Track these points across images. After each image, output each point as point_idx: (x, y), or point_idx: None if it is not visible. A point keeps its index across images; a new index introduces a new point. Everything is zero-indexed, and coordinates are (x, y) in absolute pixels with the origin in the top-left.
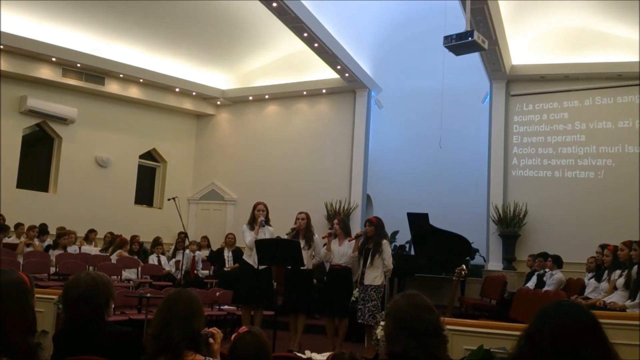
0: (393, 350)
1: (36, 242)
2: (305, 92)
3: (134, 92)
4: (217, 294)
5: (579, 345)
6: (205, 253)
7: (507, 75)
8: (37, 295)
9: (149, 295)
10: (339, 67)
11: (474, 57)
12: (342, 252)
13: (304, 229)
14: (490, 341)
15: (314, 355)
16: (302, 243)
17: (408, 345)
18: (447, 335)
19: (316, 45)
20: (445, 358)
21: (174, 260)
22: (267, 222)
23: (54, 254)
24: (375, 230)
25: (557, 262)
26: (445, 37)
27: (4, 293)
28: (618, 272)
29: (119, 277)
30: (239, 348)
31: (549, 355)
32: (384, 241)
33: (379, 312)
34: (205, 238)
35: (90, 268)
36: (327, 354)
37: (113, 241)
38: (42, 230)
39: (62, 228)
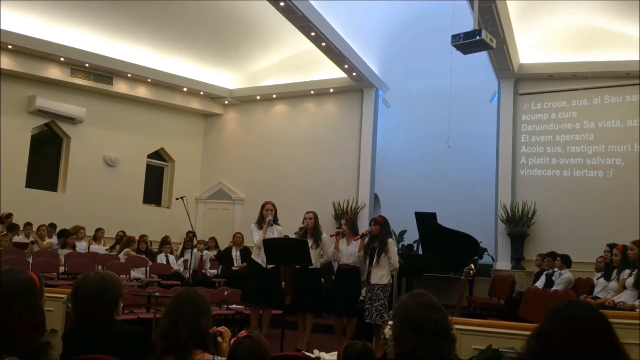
0: (401, 350)
1: (47, 240)
2: (312, 92)
3: (142, 91)
4: (225, 293)
5: (590, 345)
6: (213, 253)
7: (515, 74)
8: (46, 295)
9: (157, 294)
10: (346, 66)
11: (482, 56)
12: (351, 251)
13: (311, 228)
14: (499, 341)
15: (322, 354)
16: (310, 242)
17: (416, 345)
18: (455, 335)
19: (323, 44)
20: (453, 358)
21: (182, 259)
22: (275, 221)
23: (62, 253)
24: (381, 229)
25: (566, 261)
26: (453, 36)
27: (12, 292)
28: (627, 271)
29: (128, 276)
30: (237, 353)
31: (560, 355)
32: (390, 240)
33: (386, 311)
34: (212, 239)
35: (99, 267)
36: (335, 353)
37: (121, 239)
38: (63, 231)
39: (76, 227)
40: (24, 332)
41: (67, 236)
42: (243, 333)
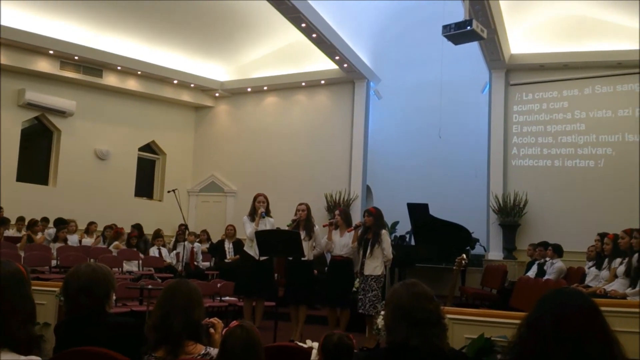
0: (393, 339)
1: (39, 235)
2: (303, 83)
3: (132, 84)
4: (219, 285)
5: (579, 331)
6: (205, 246)
7: (507, 64)
8: (39, 288)
9: (150, 286)
10: (337, 57)
11: (473, 47)
12: (344, 243)
13: (304, 220)
14: (491, 330)
15: (315, 344)
16: (303, 234)
17: (408, 334)
18: (448, 324)
19: (314, 35)
20: (445, 346)
21: (174, 252)
22: (267, 213)
23: (54, 246)
24: (374, 221)
25: (558, 251)
26: (444, 27)
27: (5, 284)
28: (619, 260)
29: (120, 269)
30: (229, 342)
31: (549, 342)
32: (383, 231)
33: (379, 301)
34: (204, 232)
35: (91, 260)
36: None
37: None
38: (60, 221)
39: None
40: (19, 323)
41: (61, 228)
42: (235, 323)
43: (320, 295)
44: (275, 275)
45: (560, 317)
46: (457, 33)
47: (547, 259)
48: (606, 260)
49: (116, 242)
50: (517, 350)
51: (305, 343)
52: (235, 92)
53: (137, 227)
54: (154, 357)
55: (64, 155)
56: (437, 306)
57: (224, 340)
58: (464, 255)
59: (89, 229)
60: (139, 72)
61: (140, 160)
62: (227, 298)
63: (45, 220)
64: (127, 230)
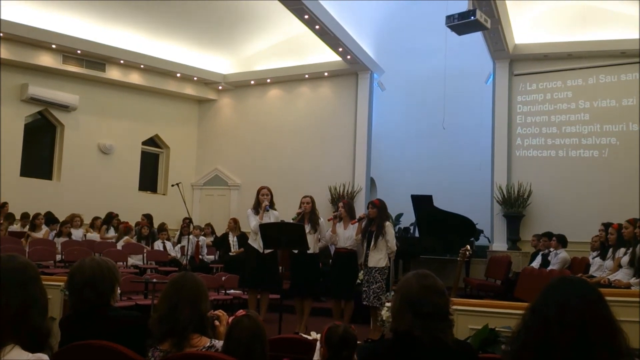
0: (398, 327)
1: (44, 229)
2: (307, 76)
3: (135, 78)
4: (223, 278)
5: (584, 318)
6: (210, 239)
7: (510, 54)
8: (43, 282)
9: (155, 280)
10: (340, 49)
11: (477, 37)
12: (348, 235)
13: (309, 213)
14: (495, 320)
15: (320, 336)
16: (308, 227)
17: (413, 325)
18: (454, 319)
19: (317, 27)
20: (449, 340)
21: (179, 246)
22: (271, 206)
23: (59, 241)
24: (378, 212)
25: (562, 241)
26: (448, 17)
27: (31, 276)
28: (623, 250)
29: (125, 263)
30: (236, 331)
31: (554, 329)
32: (387, 223)
33: (383, 293)
34: (208, 225)
35: (96, 254)
36: None
37: (109, 219)
38: (50, 219)
39: (72, 215)
40: (41, 315)
41: (58, 224)
42: (241, 312)
43: (325, 288)
44: (280, 268)
45: (565, 303)
46: (460, 23)
47: (551, 249)
48: (610, 250)
49: (126, 237)
50: (522, 337)
51: (310, 335)
52: (239, 85)
53: (148, 217)
54: (159, 350)
55: (67, 149)
56: (447, 301)
57: (231, 329)
58: (468, 247)
59: (94, 224)
60: (142, 66)
61: (144, 154)
62: (232, 291)
63: (51, 214)
64: (132, 224)
